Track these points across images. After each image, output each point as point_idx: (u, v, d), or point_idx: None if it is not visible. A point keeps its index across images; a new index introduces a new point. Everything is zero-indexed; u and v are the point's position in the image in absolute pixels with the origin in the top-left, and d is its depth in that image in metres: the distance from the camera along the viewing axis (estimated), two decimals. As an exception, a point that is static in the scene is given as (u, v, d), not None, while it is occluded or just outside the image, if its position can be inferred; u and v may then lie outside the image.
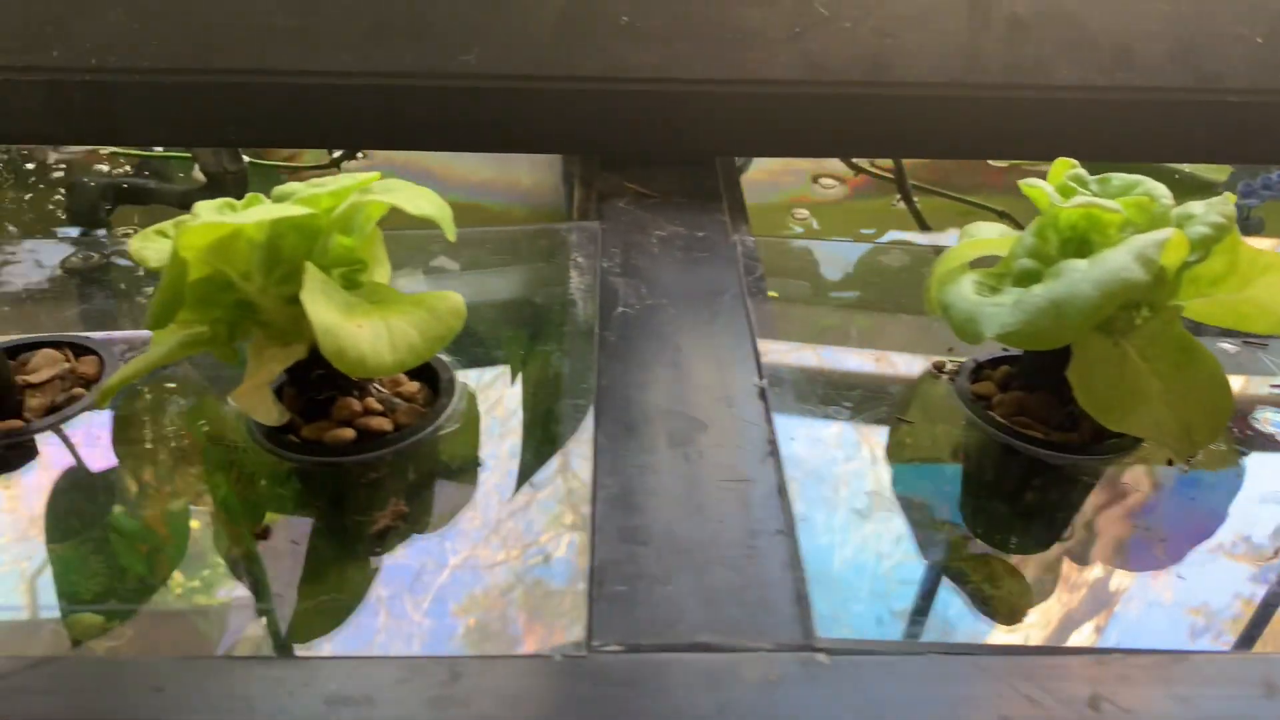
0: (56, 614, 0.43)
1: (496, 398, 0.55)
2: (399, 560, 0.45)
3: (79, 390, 0.54)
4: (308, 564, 0.45)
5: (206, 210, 0.46)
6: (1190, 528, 0.48)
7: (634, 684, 0.38)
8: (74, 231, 0.83)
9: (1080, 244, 0.50)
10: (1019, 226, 0.69)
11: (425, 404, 0.53)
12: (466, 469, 0.50)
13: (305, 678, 0.38)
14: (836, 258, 0.74)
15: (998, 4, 0.70)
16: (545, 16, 0.70)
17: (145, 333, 0.61)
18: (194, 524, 0.47)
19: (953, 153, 0.76)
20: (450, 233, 0.50)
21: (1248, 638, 0.43)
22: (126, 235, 0.80)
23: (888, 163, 0.90)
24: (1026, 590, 0.45)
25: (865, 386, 0.57)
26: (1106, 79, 0.70)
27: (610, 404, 0.53)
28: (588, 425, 0.52)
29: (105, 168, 0.91)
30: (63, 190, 0.88)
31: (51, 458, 0.51)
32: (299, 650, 0.41)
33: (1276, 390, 0.58)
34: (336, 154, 0.93)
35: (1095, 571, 0.46)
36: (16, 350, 0.55)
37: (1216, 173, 0.96)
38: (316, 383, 0.51)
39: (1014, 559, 0.46)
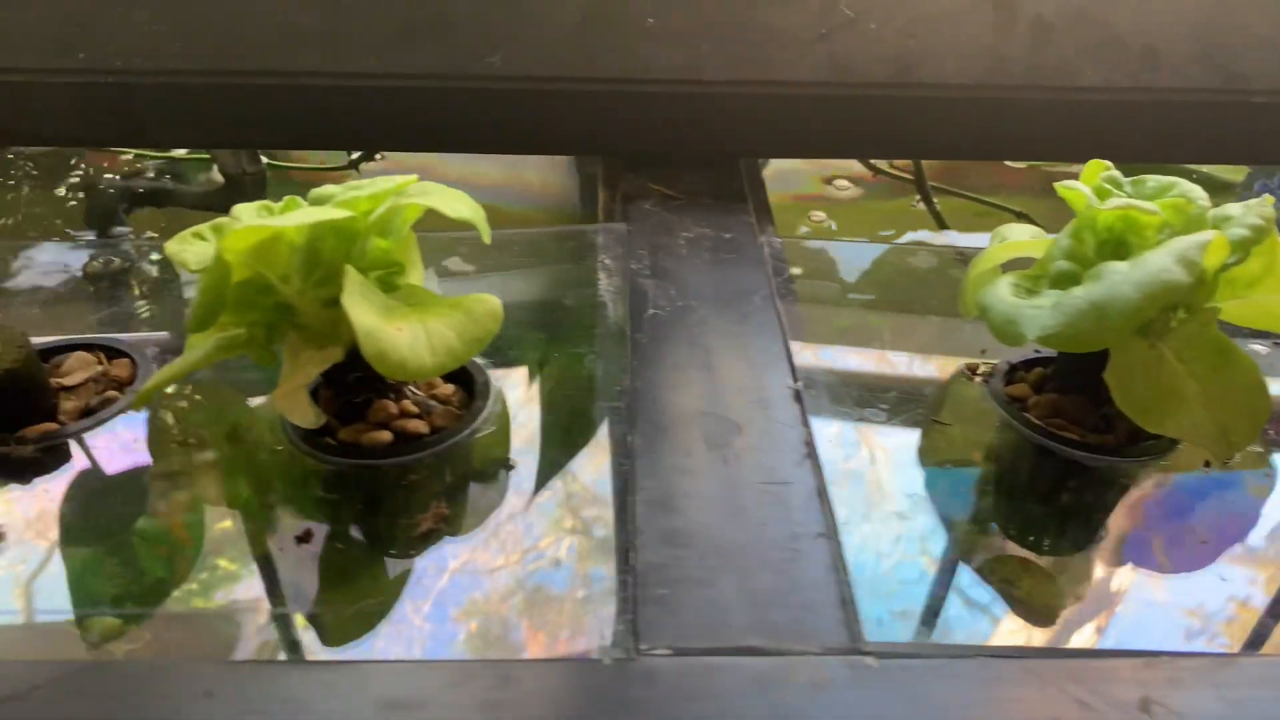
0: (97, 616, 0.43)
1: (530, 400, 0.55)
2: (444, 563, 0.45)
3: (112, 393, 0.54)
4: (351, 567, 0.45)
5: (247, 213, 0.46)
6: (1230, 529, 0.48)
7: (683, 688, 0.38)
8: (93, 234, 0.83)
9: (1117, 246, 0.50)
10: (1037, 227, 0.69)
11: (460, 406, 0.53)
12: (503, 472, 0.50)
13: (357, 681, 0.38)
14: (860, 259, 0.74)
15: (1023, 6, 0.70)
16: (570, 18, 0.70)
17: (163, 333, 0.61)
18: (234, 527, 0.47)
19: (978, 154, 0.76)
20: (486, 235, 0.50)
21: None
22: (150, 238, 0.80)
23: (905, 163, 0.90)
24: (1069, 592, 0.45)
25: (898, 388, 0.57)
26: (1131, 80, 0.70)
27: (645, 406, 0.53)
28: (623, 428, 0.52)
29: (123, 170, 0.91)
30: (81, 193, 0.87)
31: (87, 460, 0.50)
32: (349, 654, 0.41)
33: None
34: (354, 155, 0.93)
35: (1137, 573, 0.46)
36: (49, 353, 0.55)
37: (1233, 173, 0.96)
38: (353, 385, 0.51)
39: (1055, 561, 0.46)
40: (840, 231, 0.87)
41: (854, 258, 0.74)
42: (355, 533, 0.47)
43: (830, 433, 0.52)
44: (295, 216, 0.45)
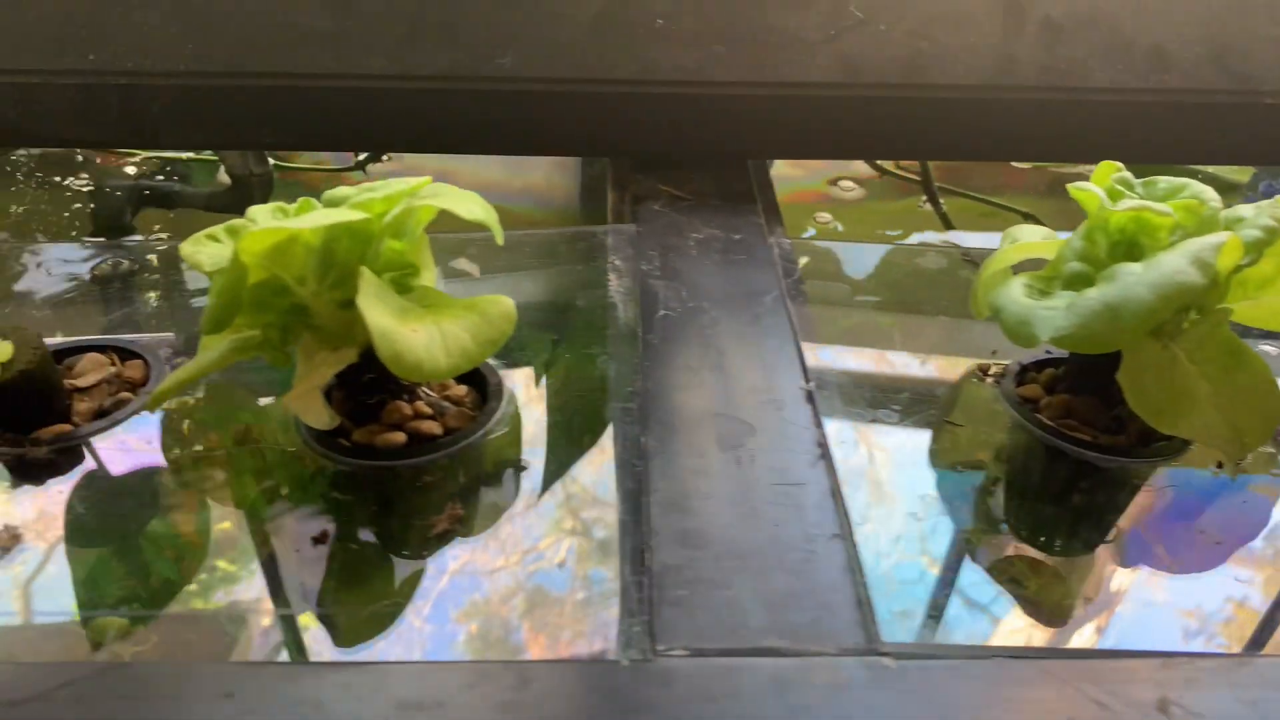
0: (112, 617, 0.43)
1: (542, 401, 0.55)
2: (459, 563, 0.45)
3: (125, 394, 0.54)
4: (367, 568, 0.45)
5: (263, 215, 0.46)
6: (1244, 530, 0.48)
7: (702, 689, 0.38)
8: (100, 236, 0.83)
9: (1129, 247, 0.50)
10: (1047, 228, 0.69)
11: (473, 407, 0.53)
12: (516, 472, 0.50)
13: (375, 683, 0.38)
14: (869, 260, 0.74)
15: (1033, 7, 0.70)
16: (580, 19, 0.70)
17: (168, 335, 0.61)
18: (248, 528, 0.47)
19: (988, 155, 0.77)
20: (499, 236, 0.51)
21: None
22: (158, 239, 0.80)
23: (910, 164, 0.90)
24: (1083, 593, 0.45)
25: (910, 389, 0.57)
26: (1141, 81, 0.70)
27: (657, 407, 0.53)
28: (635, 428, 0.52)
29: (131, 170, 0.91)
30: (87, 194, 0.87)
31: (102, 461, 0.51)
32: (366, 655, 0.41)
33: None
34: (361, 156, 0.93)
35: (1151, 574, 0.46)
36: (62, 354, 0.55)
37: (1239, 173, 0.96)
38: (367, 386, 0.51)
39: (1068, 561, 0.46)
40: (846, 233, 0.88)
41: (862, 258, 0.74)
42: (371, 534, 0.47)
43: (843, 434, 0.52)
44: (312, 218, 0.45)
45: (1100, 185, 0.52)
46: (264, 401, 0.56)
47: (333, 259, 0.47)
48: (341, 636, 0.42)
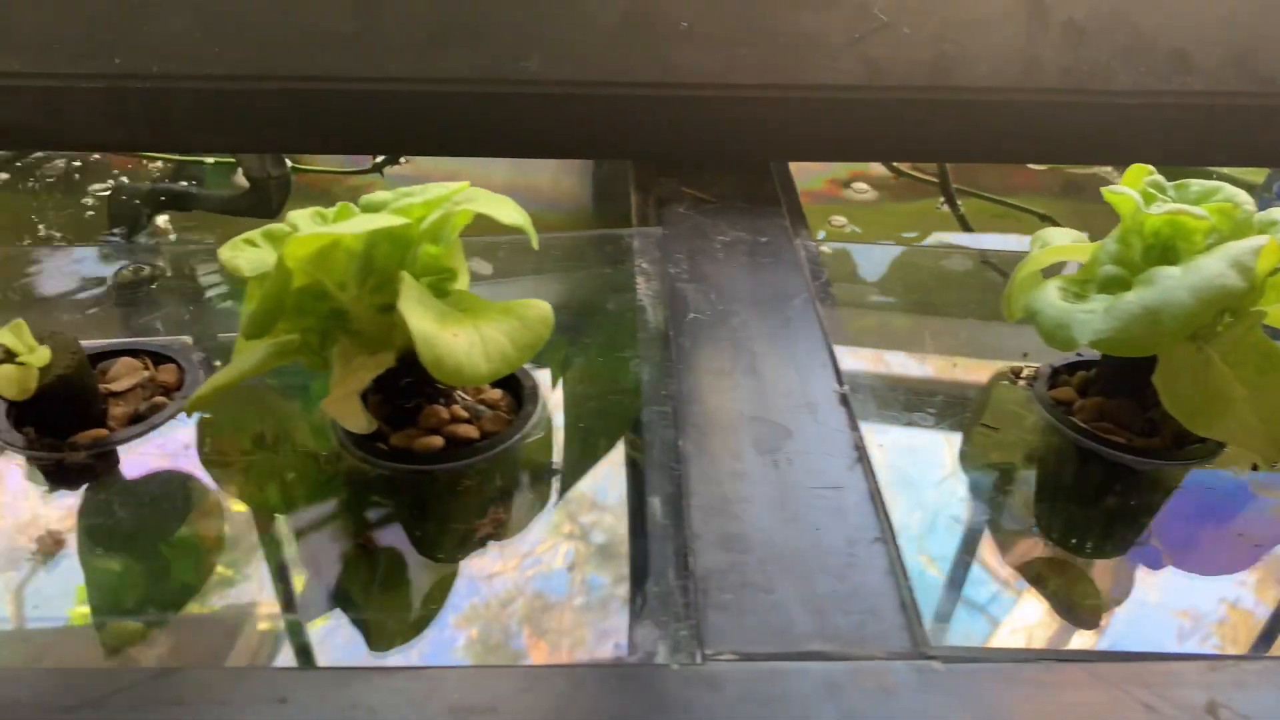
0: (149, 623, 0.43)
1: (576, 404, 0.55)
2: (503, 566, 0.45)
3: (160, 399, 0.54)
4: (415, 571, 0.45)
5: (304, 220, 0.46)
6: (1281, 532, 0.48)
7: (752, 692, 0.38)
8: (121, 239, 0.83)
9: (1164, 251, 0.50)
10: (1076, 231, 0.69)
11: (509, 411, 0.54)
12: (555, 476, 0.51)
13: (428, 688, 0.38)
14: (892, 262, 0.74)
15: (1056, 9, 0.70)
16: (605, 22, 0.70)
17: (185, 337, 0.61)
18: (290, 534, 0.47)
19: (1011, 157, 0.77)
20: (534, 240, 0.51)
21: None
22: (179, 242, 0.80)
23: (926, 165, 0.90)
24: (1124, 595, 0.45)
25: (943, 392, 0.57)
26: (1163, 84, 0.71)
27: (692, 411, 0.53)
28: (671, 432, 0.52)
29: (148, 173, 0.91)
30: (107, 197, 0.87)
31: (139, 466, 0.51)
32: (417, 659, 0.41)
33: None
34: (378, 159, 0.93)
35: (1192, 577, 0.46)
36: (95, 359, 0.55)
37: (1253, 174, 0.96)
38: (404, 391, 0.51)
39: (1108, 563, 0.46)
40: (864, 235, 0.88)
41: (885, 261, 0.74)
42: (414, 538, 0.47)
43: (879, 437, 0.53)
44: (355, 224, 0.45)
45: (1133, 188, 0.52)
46: (297, 405, 0.56)
47: (373, 264, 0.47)
48: (388, 641, 0.42)
